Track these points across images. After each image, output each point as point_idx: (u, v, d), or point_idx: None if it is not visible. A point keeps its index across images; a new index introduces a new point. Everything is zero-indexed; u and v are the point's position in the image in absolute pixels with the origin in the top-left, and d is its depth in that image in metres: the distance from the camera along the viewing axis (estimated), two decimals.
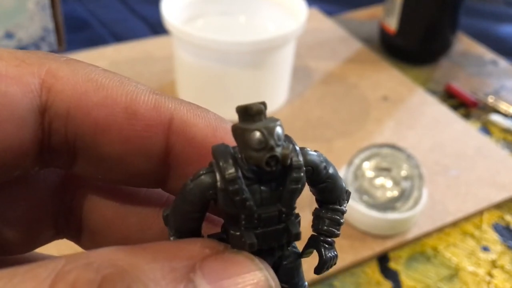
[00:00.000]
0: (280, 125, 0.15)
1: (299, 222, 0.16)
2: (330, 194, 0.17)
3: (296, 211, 0.17)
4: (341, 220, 0.18)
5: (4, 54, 0.16)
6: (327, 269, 0.18)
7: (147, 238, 0.19)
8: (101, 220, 0.20)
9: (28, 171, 0.18)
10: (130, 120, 0.17)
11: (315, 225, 0.18)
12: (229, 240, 0.16)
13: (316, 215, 0.18)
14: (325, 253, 0.17)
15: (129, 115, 0.17)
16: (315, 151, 0.17)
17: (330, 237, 0.18)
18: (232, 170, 0.15)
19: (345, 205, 0.18)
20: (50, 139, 0.17)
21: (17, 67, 0.16)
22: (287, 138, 0.16)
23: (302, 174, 0.16)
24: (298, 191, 0.16)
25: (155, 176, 0.18)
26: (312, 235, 0.18)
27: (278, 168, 0.15)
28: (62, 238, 0.21)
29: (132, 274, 0.13)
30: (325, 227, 0.17)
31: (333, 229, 0.17)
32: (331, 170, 0.17)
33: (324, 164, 0.17)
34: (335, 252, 0.18)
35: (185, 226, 0.16)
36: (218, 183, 0.15)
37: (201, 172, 0.16)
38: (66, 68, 0.17)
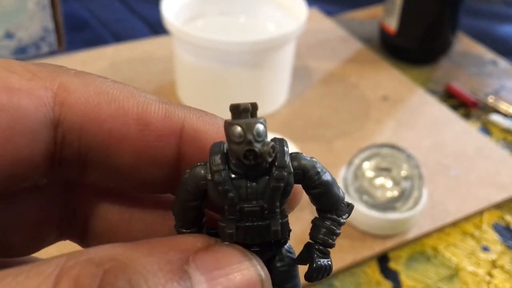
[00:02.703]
0: (262, 123, 0.16)
1: (284, 223, 0.17)
2: (324, 201, 0.18)
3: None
4: (337, 231, 0.18)
5: (17, 67, 0.16)
6: (319, 277, 0.18)
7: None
8: (105, 225, 0.20)
9: (36, 183, 0.18)
10: (142, 131, 0.17)
11: (311, 233, 0.18)
12: (219, 232, 0.17)
13: (314, 223, 0.18)
14: (316, 261, 0.18)
15: (141, 126, 0.17)
16: (311, 157, 0.17)
17: (324, 246, 0.18)
18: (218, 162, 0.16)
19: (344, 216, 0.18)
20: (62, 152, 0.17)
21: (29, 80, 0.16)
22: (279, 141, 0.17)
23: (285, 173, 0.16)
24: (281, 189, 0.16)
25: (167, 183, 0.19)
26: (307, 242, 0.18)
27: (263, 163, 0.16)
28: (65, 239, 0.21)
29: (131, 267, 0.14)
30: (321, 236, 0.18)
31: (328, 239, 0.18)
32: (325, 177, 0.17)
33: (317, 170, 0.17)
34: (329, 262, 0.18)
35: (185, 215, 0.18)
36: (207, 175, 0.17)
37: (197, 164, 0.17)
38: (78, 81, 0.17)
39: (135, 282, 0.14)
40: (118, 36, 0.77)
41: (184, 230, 0.18)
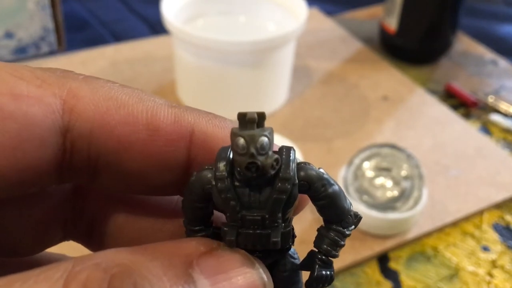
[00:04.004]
0: (267, 136, 0.16)
1: (286, 233, 0.17)
2: (329, 213, 0.18)
3: (290, 213, 0.17)
4: (341, 242, 0.18)
5: (25, 73, 0.16)
6: (319, 286, 0.18)
7: (158, 241, 0.20)
8: (111, 225, 0.20)
9: (44, 188, 0.18)
10: (152, 136, 0.17)
11: (315, 242, 0.18)
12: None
13: (319, 232, 0.18)
14: (317, 270, 0.18)
15: (151, 131, 0.17)
16: (318, 168, 0.17)
17: (326, 256, 0.18)
18: (222, 170, 0.16)
19: (350, 228, 0.18)
20: (72, 159, 0.17)
21: (38, 87, 0.16)
22: (287, 150, 0.17)
23: (288, 186, 0.16)
24: (283, 201, 0.16)
25: (176, 186, 0.19)
26: (311, 250, 0.18)
27: (268, 175, 0.16)
28: (69, 240, 0.21)
29: (137, 271, 0.14)
30: (324, 246, 0.18)
31: (331, 250, 0.18)
32: (331, 190, 0.17)
33: (323, 182, 0.17)
34: (331, 272, 0.18)
35: (192, 214, 0.18)
36: (212, 180, 0.17)
37: (205, 167, 0.17)
38: (86, 87, 0.17)
39: (141, 287, 0.14)
40: (118, 36, 0.77)
41: (191, 227, 0.18)
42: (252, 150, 0.16)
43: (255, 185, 0.16)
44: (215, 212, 0.18)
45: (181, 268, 0.15)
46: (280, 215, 0.17)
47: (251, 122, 0.16)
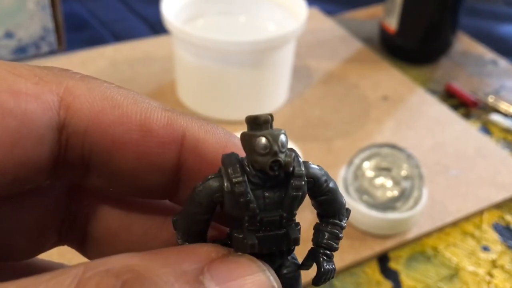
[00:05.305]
0: (285, 134, 0.16)
1: (299, 230, 0.17)
2: (329, 207, 0.18)
3: (297, 211, 0.17)
4: (340, 235, 0.18)
5: (23, 71, 0.16)
6: (325, 281, 0.18)
7: (151, 248, 0.20)
8: (105, 229, 0.20)
9: (40, 184, 0.18)
10: (144, 138, 0.18)
11: (315, 238, 0.18)
12: (233, 243, 0.17)
13: (316, 228, 0.19)
14: (323, 266, 0.18)
15: (144, 133, 0.18)
16: (317, 165, 0.18)
17: (329, 250, 0.18)
18: (238, 175, 0.16)
19: (344, 221, 0.19)
20: (66, 155, 0.17)
21: (36, 84, 0.16)
22: (291, 150, 0.17)
23: (303, 182, 0.17)
24: (299, 198, 0.17)
25: (166, 189, 0.19)
26: (312, 248, 0.18)
27: (281, 174, 0.16)
28: (64, 245, 0.21)
29: (149, 278, 0.14)
30: (325, 240, 0.18)
31: (332, 243, 0.18)
32: (331, 184, 0.18)
33: (325, 177, 0.18)
34: (333, 266, 0.18)
35: (192, 228, 0.17)
36: (225, 187, 0.16)
37: (210, 177, 0.17)
38: (83, 86, 0.17)
39: None
40: (118, 36, 0.77)
41: (187, 244, 0.18)
42: (276, 148, 0.16)
43: (269, 186, 0.16)
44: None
45: (192, 275, 0.15)
46: (295, 212, 0.17)
47: (266, 122, 0.16)
